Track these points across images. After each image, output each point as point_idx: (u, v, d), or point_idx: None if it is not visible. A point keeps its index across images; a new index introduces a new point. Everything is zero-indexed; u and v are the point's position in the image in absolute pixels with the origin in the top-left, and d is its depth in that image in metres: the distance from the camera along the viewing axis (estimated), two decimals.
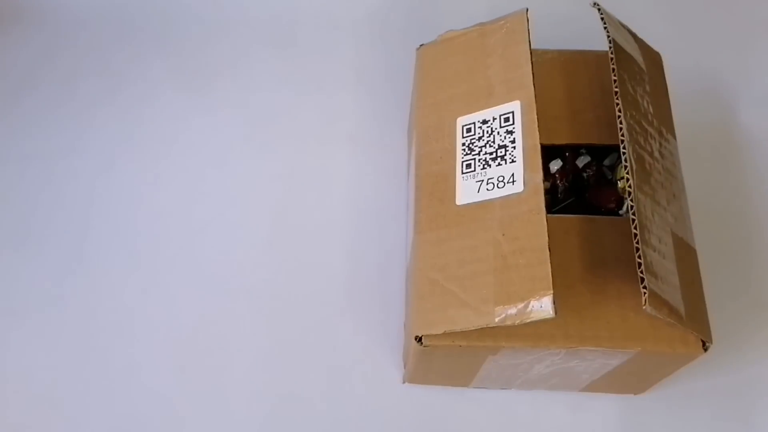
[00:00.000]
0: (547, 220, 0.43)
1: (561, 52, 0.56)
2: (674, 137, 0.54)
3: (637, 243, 0.41)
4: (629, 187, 0.43)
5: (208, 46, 0.75)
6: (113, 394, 0.58)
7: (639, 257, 0.41)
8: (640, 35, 0.55)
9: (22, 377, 0.59)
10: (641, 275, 0.40)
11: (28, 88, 0.73)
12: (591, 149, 0.54)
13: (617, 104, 0.46)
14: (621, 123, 0.45)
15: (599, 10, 0.49)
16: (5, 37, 0.76)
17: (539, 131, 0.45)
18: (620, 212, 0.51)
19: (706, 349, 0.46)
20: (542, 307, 0.40)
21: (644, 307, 0.40)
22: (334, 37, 0.76)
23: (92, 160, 0.69)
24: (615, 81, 0.46)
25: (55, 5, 0.77)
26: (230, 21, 0.77)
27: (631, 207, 0.42)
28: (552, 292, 0.40)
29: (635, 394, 0.58)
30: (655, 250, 0.43)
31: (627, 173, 0.44)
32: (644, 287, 0.40)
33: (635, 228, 0.42)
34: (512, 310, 0.41)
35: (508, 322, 0.41)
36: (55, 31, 0.76)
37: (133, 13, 0.77)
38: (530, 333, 0.45)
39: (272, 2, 0.77)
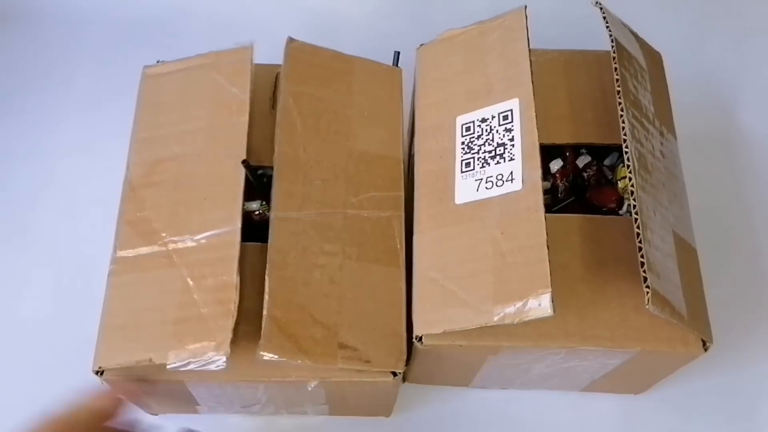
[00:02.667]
0: (546, 219, 0.42)
1: (561, 52, 0.56)
2: (674, 137, 0.54)
3: (640, 242, 0.41)
4: (631, 185, 0.43)
5: (207, 46, 0.75)
6: None
7: (641, 256, 0.41)
8: (640, 35, 0.55)
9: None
10: (644, 274, 0.40)
11: (26, 87, 0.72)
12: (591, 149, 0.54)
13: (619, 103, 0.46)
14: (623, 122, 0.45)
15: (601, 9, 0.49)
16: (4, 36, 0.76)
17: (539, 131, 0.45)
18: (620, 212, 0.51)
19: (706, 349, 0.46)
20: (541, 305, 0.40)
21: (647, 306, 0.40)
22: (334, 37, 0.76)
23: (90, 158, 0.69)
24: (617, 80, 0.46)
25: (49, 4, 0.77)
26: (229, 20, 0.76)
27: (634, 206, 0.42)
28: (550, 290, 0.40)
29: (635, 393, 0.58)
30: (657, 249, 0.43)
31: (629, 172, 0.44)
32: (647, 286, 0.40)
33: (638, 227, 0.42)
34: (511, 309, 0.41)
35: (507, 321, 0.41)
36: (48, 31, 0.76)
37: (130, 12, 0.77)
38: (530, 332, 0.45)
39: (272, 1, 0.77)
